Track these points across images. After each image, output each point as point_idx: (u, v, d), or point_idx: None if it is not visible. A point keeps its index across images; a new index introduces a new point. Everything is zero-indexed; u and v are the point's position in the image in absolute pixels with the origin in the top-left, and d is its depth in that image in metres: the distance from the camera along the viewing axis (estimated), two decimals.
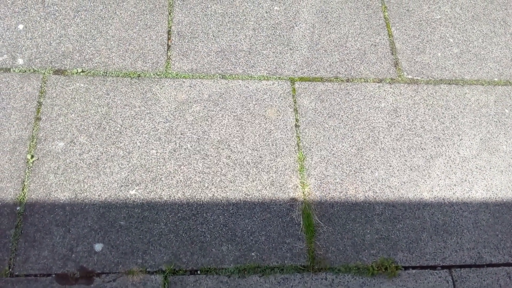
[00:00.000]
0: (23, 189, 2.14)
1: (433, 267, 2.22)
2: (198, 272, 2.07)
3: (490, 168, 2.49)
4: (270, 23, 2.79)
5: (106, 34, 2.60)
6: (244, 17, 2.78)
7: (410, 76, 2.72)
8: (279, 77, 2.61)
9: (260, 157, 2.36)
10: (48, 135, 2.28)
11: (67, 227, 2.08)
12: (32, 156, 2.22)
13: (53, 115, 2.33)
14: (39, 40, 2.54)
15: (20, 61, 2.46)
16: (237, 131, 2.41)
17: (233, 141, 2.38)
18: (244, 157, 2.35)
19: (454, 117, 2.62)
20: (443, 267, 2.22)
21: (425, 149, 2.49)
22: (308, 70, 2.66)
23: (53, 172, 2.19)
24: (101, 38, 2.58)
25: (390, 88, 2.66)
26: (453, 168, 2.46)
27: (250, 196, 2.26)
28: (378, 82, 2.68)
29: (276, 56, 2.68)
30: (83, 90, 2.41)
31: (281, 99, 2.54)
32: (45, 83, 2.41)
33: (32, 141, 2.26)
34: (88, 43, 2.56)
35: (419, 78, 2.73)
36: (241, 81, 2.57)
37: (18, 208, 2.11)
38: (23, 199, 2.12)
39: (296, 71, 2.65)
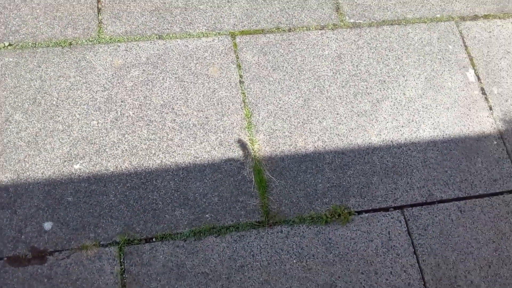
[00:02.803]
0: None
1: (385, 209, 2.38)
2: (153, 239, 2.16)
3: (436, 106, 2.64)
4: None
5: (31, 2, 2.56)
6: None
7: (352, 20, 2.81)
8: (219, 33, 2.65)
9: (206, 117, 2.43)
10: None
11: (13, 209, 2.13)
12: None
13: None
14: None
15: None
16: (180, 93, 2.47)
17: (177, 104, 2.44)
18: (189, 119, 2.41)
19: (398, 58, 2.74)
20: (395, 208, 2.38)
21: (371, 93, 2.62)
22: (249, 23, 2.71)
23: None
24: (26, 7, 2.55)
25: (333, 34, 2.75)
26: (400, 109, 2.60)
27: (200, 158, 2.34)
28: (321, 29, 2.76)
29: (214, 11, 2.71)
30: (13, 65, 2.40)
31: (223, 56, 2.59)
32: None
33: None
34: (12, 14, 2.52)
35: (361, 21, 2.82)
36: (179, 40, 2.60)
37: None
38: None
39: (236, 25, 2.69)
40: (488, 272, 2.30)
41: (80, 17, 2.57)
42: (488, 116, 2.65)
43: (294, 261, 2.20)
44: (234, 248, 2.19)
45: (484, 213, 2.43)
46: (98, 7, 2.61)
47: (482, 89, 2.73)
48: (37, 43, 2.47)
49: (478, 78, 2.75)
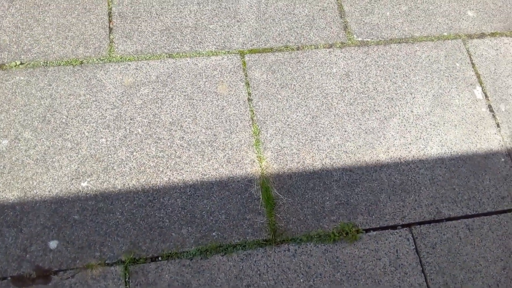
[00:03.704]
0: None
1: (393, 227, 2.22)
2: (159, 258, 2.02)
3: (444, 123, 2.48)
4: None
5: (43, 22, 2.46)
6: None
7: (360, 39, 2.67)
8: (228, 51, 2.53)
9: (215, 135, 2.30)
10: None
11: (19, 227, 2.00)
12: None
13: None
14: None
15: None
16: (188, 110, 2.34)
17: (186, 121, 2.31)
18: (198, 136, 2.28)
19: (406, 75, 2.59)
20: (403, 226, 2.23)
21: (378, 110, 2.47)
22: (258, 42, 2.58)
23: None
24: (38, 27, 2.45)
25: (341, 52, 2.61)
26: (408, 127, 2.45)
27: (207, 175, 2.21)
28: (329, 48, 2.62)
29: (223, 30, 2.59)
30: (24, 83, 2.29)
31: (232, 74, 2.47)
32: None
33: None
34: (25, 33, 2.42)
35: (369, 39, 2.68)
36: (189, 58, 2.48)
37: None
38: None
39: (245, 44, 2.57)
40: None
41: (92, 37, 2.46)
42: (495, 133, 2.49)
43: (301, 280, 2.05)
44: (241, 267, 2.04)
45: (492, 230, 2.26)
46: (109, 27, 2.50)
47: (490, 106, 2.56)
48: (48, 62, 2.36)
49: (486, 96, 2.59)
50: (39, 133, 2.19)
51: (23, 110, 2.23)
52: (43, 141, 2.18)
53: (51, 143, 2.18)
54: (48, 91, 2.29)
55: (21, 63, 2.34)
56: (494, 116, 2.54)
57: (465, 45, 2.73)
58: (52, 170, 2.12)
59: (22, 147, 2.15)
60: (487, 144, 2.46)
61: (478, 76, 2.64)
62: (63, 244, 1.99)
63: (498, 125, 2.52)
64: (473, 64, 2.68)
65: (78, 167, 2.14)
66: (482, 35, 2.79)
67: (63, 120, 2.23)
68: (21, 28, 2.43)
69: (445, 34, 2.76)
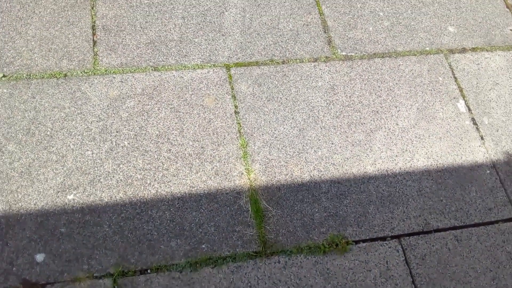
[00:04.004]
0: None
1: (383, 238, 2.29)
2: (148, 271, 2.04)
3: (429, 136, 2.59)
4: (199, 10, 2.77)
5: (26, 35, 2.50)
6: (172, 5, 2.75)
7: (344, 53, 2.78)
8: (214, 65, 2.60)
9: (202, 147, 2.35)
10: None
11: (4, 240, 2.00)
12: None
13: None
14: None
15: None
16: (175, 123, 2.39)
17: (173, 134, 2.36)
18: (185, 149, 2.33)
19: (390, 89, 2.70)
20: (392, 237, 2.30)
21: (364, 123, 2.56)
22: (243, 55, 2.66)
23: None
24: (21, 39, 2.48)
25: (326, 66, 2.71)
26: (393, 139, 2.54)
27: (195, 188, 2.25)
28: (314, 62, 2.72)
29: (208, 44, 2.67)
30: (7, 96, 2.32)
31: (218, 87, 2.54)
32: None
33: None
34: (7, 46, 2.45)
35: (353, 54, 2.79)
36: (174, 71, 2.54)
37: None
38: None
39: (231, 57, 2.65)
40: None
41: (76, 50, 2.50)
42: (480, 146, 2.60)
43: None
44: (231, 279, 2.07)
45: (480, 242, 2.35)
46: (93, 40, 2.56)
47: (473, 119, 2.69)
48: (31, 75, 2.40)
49: (469, 109, 2.72)
50: (24, 146, 2.21)
51: (7, 122, 2.25)
52: (27, 153, 2.20)
53: (36, 155, 2.20)
54: (32, 103, 2.32)
55: (4, 76, 2.36)
56: (478, 129, 2.66)
57: (447, 60, 2.87)
58: (37, 183, 2.14)
59: (6, 160, 2.17)
60: (472, 156, 2.57)
61: (461, 90, 2.77)
62: (50, 257, 2.00)
63: (482, 138, 2.64)
64: (455, 78, 2.81)
65: (64, 179, 2.16)
66: (463, 50, 2.93)
67: (48, 133, 2.26)
68: (3, 40, 2.46)
69: (427, 49, 2.89)
